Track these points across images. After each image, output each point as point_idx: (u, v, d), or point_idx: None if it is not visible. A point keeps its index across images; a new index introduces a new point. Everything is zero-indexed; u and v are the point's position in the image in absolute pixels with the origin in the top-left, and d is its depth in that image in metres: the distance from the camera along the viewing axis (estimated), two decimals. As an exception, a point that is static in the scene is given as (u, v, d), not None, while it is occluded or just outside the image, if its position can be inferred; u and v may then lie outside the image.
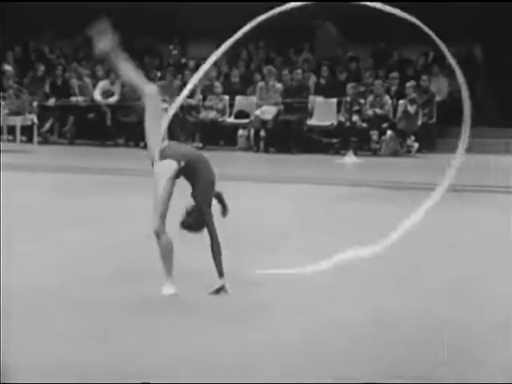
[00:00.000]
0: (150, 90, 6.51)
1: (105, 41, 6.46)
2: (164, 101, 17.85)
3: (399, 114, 16.88)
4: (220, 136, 17.74)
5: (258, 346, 5.03)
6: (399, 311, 5.82)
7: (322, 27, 18.29)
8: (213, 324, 5.46)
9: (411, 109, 16.62)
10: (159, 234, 6.13)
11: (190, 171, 6.19)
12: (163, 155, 6.19)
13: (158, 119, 6.37)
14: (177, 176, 6.19)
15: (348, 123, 16.65)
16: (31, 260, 7.04)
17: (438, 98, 17.30)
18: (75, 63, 18.67)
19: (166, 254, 6.15)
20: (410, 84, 16.87)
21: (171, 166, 6.16)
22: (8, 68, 17.94)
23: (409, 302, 6.06)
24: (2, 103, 16.41)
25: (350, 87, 16.92)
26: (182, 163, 6.18)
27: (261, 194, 11.03)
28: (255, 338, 5.17)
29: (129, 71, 6.54)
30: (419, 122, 16.76)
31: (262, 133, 16.97)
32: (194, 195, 6.21)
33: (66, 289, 6.24)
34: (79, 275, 6.61)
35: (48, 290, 6.20)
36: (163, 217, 6.13)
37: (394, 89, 17.33)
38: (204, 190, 6.18)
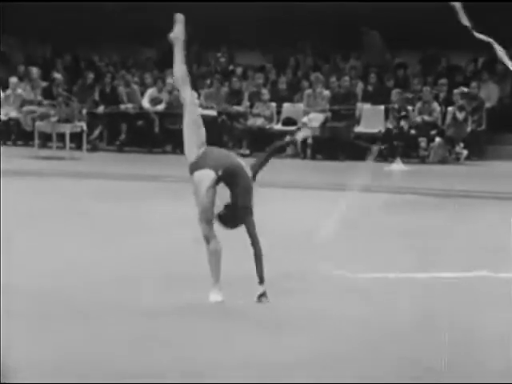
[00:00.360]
0: (191, 98, 6.53)
1: (178, 28, 6.50)
2: (211, 108, 17.99)
3: (448, 120, 16.74)
4: (267, 143, 17.64)
5: (307, 355, 5.00)
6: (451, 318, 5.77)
7: (368, 34, 18.23)
8: (261, 331, 5.45)
9: (460, 115, 16.46)
10: (208, 238, 6.14)
11: (228, 179, 6.21)
12: (202, 164, 6.18)
13: (195, 128, 6.38)
14: (216, 184, 6.20)
15: (396, 130, 16.55)
16: (81, 266, 7.10)
17: (487, 105, 17.11)
18: (123, 71, 18.82)
19: (214, 259, 6.16)
20: (457, 91, 16.72)
21: (209, 175, 6.17)
22: (57, 76, 18.15)
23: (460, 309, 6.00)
24: (52, 111, 16.59)
25: (395, 93, 16.83)
26: (220, 172, 6.19)
27: (307, 201, 11.00)
28: (304, 345, 5.15)
29: (180, 72, 6.54)
30: (468, 129, 16.60)
31: (310, 140, 16.94)
32: (232, 201, 6.22)
33: (119, 294, 6.27)
34: (129, 280, 6.65)
35: (100, 295, 6.25)
36: (209, 223, 6.14)
37: (442, 95, 17.19)
38: (242, 196, 6.19)
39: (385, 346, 5.20)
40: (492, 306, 6.16)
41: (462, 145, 16.42)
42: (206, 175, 6.16)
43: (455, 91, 16.80)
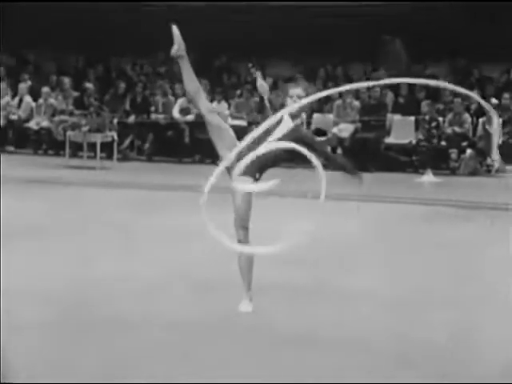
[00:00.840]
0: (207, 107, 6.57)
1: (178, 43, 6.53)
2: (240, 118, 18.01)
3: (479, 132, 16.63)
4: (297, 154, 17.69)
5: (337, 370, 4.97)
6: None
7: (391, 43, 18.18)
8: (288, 345, 5.44)
9: (489, 127, 16.34)
10: (242, 244, 6.12)
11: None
12: (240, 171, 6.17)
13: (219, 132, 6.43)
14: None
15: (426, 141, 16.47)
16: (111, 275, 7.12)
17: (519, 116, 16.98)
18: (161, 80, 18.90)
19: (247, 266, 6.15)
20: (488, 102, 16.62)
21: (246, 181, 6.17)
22: (89, 86, 18.27)
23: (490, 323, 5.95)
24: (83, 121, 16.70)
25: (424, 105, 16.75)
26: (258, 175, 6.18)
27: (338, 212, 10.96)
28: (334, 361, 5.12)
29: (191, 87, 6.53)
30: (500, 141, 16.47)
31: (339, 150, 16.90)
32: None
33: (147, 305, 6.28)
34: (159, 290, 6.66)
35: (129, 305, 6.26)
36: (244, 229, 6.14)
37: (473, 107, 17.08)
38: None
39: (423, 361, 5.16)
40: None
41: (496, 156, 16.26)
42: (243, 181, 6.14)
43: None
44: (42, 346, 5.22)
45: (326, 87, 18.62)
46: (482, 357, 5.27)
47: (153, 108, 18.38)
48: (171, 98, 18.39)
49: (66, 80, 18.96)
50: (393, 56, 18.49)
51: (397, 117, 17.30)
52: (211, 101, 18.15)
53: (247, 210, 6.18)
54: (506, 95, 16.92)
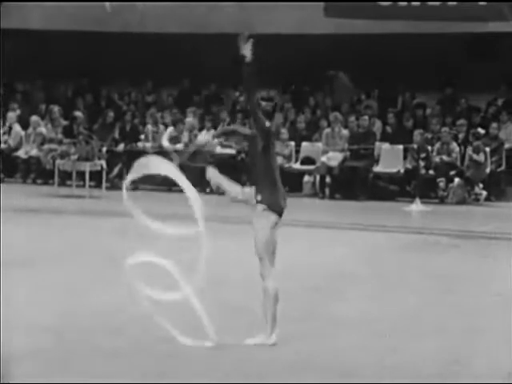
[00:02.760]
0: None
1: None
2: (229, 146, 18.05)
3: (467, 161, 16.71)
4: (286, 182, 17.55)
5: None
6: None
7: (336, 77, 18.42)
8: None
9: (477, 157, 16.43)
10: (264, 277, 6.02)
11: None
12: (264, 206, 6.15)
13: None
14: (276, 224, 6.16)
15: (415, 170, 16.54)
16: (101, 304, 7.10)
17: (507, 146, 17.09)
18: (152, 109, 18.96)
19: (270, 301, 6.02)
20: (473, 131, 16.75)
21: (271, 218, 6.12)
22: (78, 114, 18.27)
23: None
24: (72, 149, 16.69)
25: (417, 134, 16.83)
26: (282, 209, 6.21)
27: (326, 241, 10.98)
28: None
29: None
30: (488, 170, 16.57)
31: (328, 179, 16.94)
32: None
33: (139, 334, 6.26)
34: (150, 320, 6.65)
35: (121, 335, 6.24)
36: (271, 264, 6.04)
37: (461, 136, 17.18)
38: None
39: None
40: None
41: (481, 186, 16.38)
42: (267, 217, 6.11)
43: (471, 132, 16.82)
44: (33, 374, 5.19)
45: (314, 115, 18.74)
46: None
47: (142, 136, 18.41)
48: (161, 127, 18.44)
49: (56, 109, 18.98)
50: (340, 88, 18.69)
51: (385, 145, 17.38)
52: (201, 129, 18.23)
53: (271, 247, 6.06)
54: (494, 125, 17.03)
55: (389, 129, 17.87)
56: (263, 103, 6.42)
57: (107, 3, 19.07)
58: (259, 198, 6.19)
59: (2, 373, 4.31)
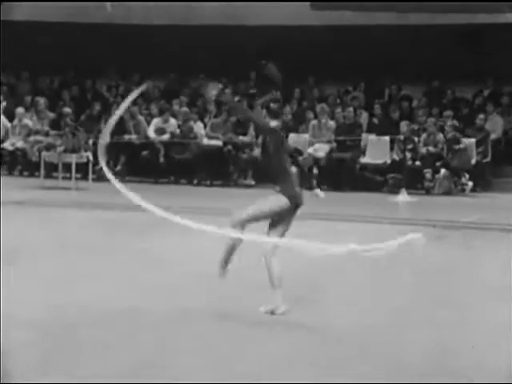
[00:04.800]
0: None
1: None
2: (216, 138, 18.04)
3: (446, 152, 16.72)
4: (272, 174, 17.75)
5: None
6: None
7: (266, 67, 18.36)
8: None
9: (458, 145, 16.46)
10: (236, 227, 6.43)
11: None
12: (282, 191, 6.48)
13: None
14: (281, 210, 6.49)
15: (401, 161, 16.58)
16: (85, 297, 7.09)
17: (492, 137, 17.15)
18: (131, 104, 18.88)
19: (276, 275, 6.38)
20: (450, 123, 16.76)
21: (283, 201, 6.47)
22: (67, 110, 18.09)
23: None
24: (58, 141, 16.65)
25: (403, 125, 16.87)
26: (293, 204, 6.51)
27: (313, 232, 10.98)
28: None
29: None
30: (473, 160, 16.62)
31: (315, 170, 16.97)
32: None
33: (122, 328, 6.26)
34: (135, 313, 6.64)
35: (102, 329, 6.24)
36: (247, 221, 6.48)
37: (447, 128, 17.22)
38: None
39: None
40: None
41: (467, 176, 16.43)
42: (281, 200, 6.45)
43: (448, 123, 16.79)
44: (23, 367, 5.18)
45: (300, 106, 18.74)
46: (458, 378, 5.30)
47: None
48: (140, 118, 18.34)
49: (42, 101, 18.91)
50: (268, 79, 18.64)
51: (372, 137, 17.41)
52: (186, 121, 18.19)
53: (266, 215, 6.51)
54: (481, 116, 17.08)
55: (375, 120, 17.90)
56: (271, 105, 6.83)
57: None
58: (278, 189, 6.55)
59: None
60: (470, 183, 16.41)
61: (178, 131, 17.91)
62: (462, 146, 16.49)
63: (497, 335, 6.23)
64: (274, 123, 6.63)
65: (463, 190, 16.37)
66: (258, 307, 6.47)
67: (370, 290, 7.70)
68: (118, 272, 8.16)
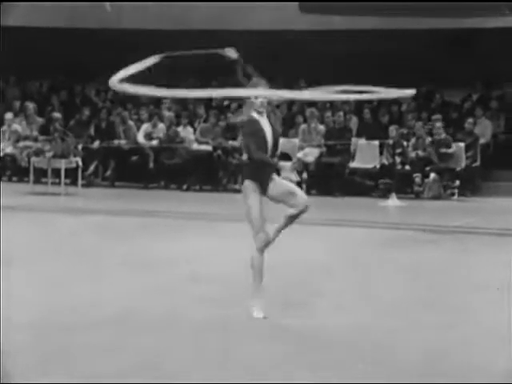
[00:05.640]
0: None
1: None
2: (206, 143, 18.03)
3: (435, 156, 16.74)
4: (262, 178, 17.76)
5: None
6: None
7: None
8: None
9: (448, 150, 16.49)
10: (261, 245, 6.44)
11: None
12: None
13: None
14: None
15: (390, 166, 16.60)
16: (76, 302, 7.07)
17: (481, 141, 17.19)
18: (120, 108, 18.86)
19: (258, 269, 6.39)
20: (438, 124, 16.75)
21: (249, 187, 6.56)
22: (57, 115, 18.04)
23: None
24: (47, 146, 16.61)
25: (392, 129, 16.90)
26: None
27: (302, 237, 11.00)
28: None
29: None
30: (462, 164, 16.66)
31: (304, 175, 16.98)
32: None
33: (114, 333, 6.25)
34: (125, 318, 6.63)
35: (95, 334, 6.23)
36: (260, 228, 6.49)
37: (435, 131, 17.23)
38: None
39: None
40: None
41: (457, 182, 16.42)
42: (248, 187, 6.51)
43: (436, 125, 16.77)
44: (22, 367, 5.17)
45: (290, 111, 18.75)
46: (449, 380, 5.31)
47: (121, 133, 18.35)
48: (131, 123, 18.34)
49: (31, 106, 18.88)
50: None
51: (361, 141, 17.44)
52: (177, 125, 18.17)
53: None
54: (470, 120, 17.12)
55: (365, 124, 17.91)
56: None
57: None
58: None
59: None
60: (457, 182, 16.37)
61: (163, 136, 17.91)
62: (450, 150, 16.51)
63: (488, 336, 6.24)
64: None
65: (452, 194, 16.39)
66: (250, 310, 6.47)
67: (361, 291, 7.70)
68: (109, 276, 8.14)
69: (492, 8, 16.66)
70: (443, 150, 16.50)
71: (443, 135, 16.64)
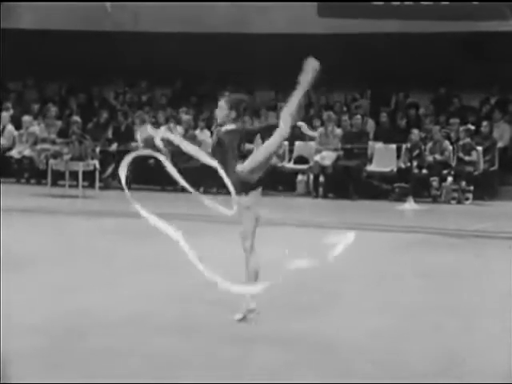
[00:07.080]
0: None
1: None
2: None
3: (455, 161, 16.66)
4: (279, 181, 17.76)
5: None
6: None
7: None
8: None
9: (469, 157, 16.42)
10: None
11: None
12: None
13: None
14: None
15: (408, 169, 16.55)
16: (94, 304, 7.09)
17: (499, 145, 17.11)
18: (140, 111, 18.90)
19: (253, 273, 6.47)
20: (464, 128, 16.69)
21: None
22: (77, 119, 18.09)
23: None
24: (65, 149, 16.67)
25: (415, 133, 16.77)
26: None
27: (319, 240, 10.97)
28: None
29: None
30: (480, 168, 16.58)
31: (321, 178, 16.95)
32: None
33: (132, 333, 6.26)
34: (142, 320, 6.64)
35: (113, 334, 6.24)
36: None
37: (453, 135, 17.18)
38: None
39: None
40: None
41: (472, 187, 16.33)
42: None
43: (462, 129, 16.75)
44: (31, 374, 5.18)
45: (307, 114, 18.72)
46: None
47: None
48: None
49: (52, 109, 18.98)
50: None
51: (378, 145, 17.40)
52: (194, 128, 18.19)
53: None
54: (485, 123, 17.04)
55: (382, 128, 17.87)
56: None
57: (107, 3, 19.05)
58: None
59: (1, 373, 4.30)
60: (471, 187, 16.29)
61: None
62: (473, 158, 16.41)
63: (506, 341, 6.21)
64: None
65: (466, 199, 16.28)
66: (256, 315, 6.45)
67: (377, 295, 7.68)
68: (125, 278, 8.15)
69: (498, 13, 16.61)
70: (467, 158, 16.40)
71: (467, 140, 16.55)
